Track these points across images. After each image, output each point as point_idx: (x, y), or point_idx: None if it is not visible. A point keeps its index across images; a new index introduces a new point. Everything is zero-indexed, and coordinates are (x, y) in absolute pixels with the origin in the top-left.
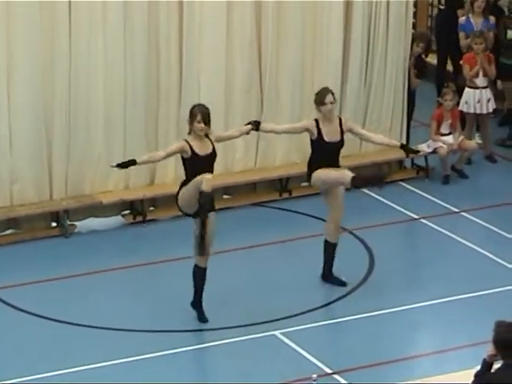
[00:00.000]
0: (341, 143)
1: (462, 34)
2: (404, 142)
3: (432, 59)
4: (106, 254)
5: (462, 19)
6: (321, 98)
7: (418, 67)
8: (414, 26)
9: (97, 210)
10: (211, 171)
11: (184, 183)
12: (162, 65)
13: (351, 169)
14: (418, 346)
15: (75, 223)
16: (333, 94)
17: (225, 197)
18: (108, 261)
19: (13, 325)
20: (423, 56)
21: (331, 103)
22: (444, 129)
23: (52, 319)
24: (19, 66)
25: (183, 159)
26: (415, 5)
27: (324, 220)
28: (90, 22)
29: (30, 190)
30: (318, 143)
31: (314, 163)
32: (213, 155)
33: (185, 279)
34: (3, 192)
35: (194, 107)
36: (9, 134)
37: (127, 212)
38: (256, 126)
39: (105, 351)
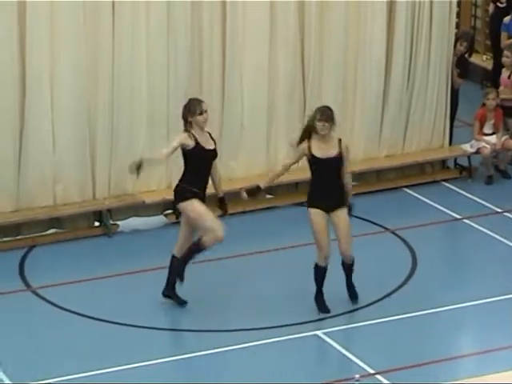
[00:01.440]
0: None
1: (504, 34)
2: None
3: (475, 59)
4: (149, 254)
5: (506, 19)
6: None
7: (461, 67)
8: (458, 26)
9: (139, 209)
10: (209, 168)
11: (181, 180)
12: (205, 65)
13: (394, 169)
14: (462, 347)
15: (118, 222)
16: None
17: (268, 196)
18: (150, 260)
19: (56, 324)
20: (466, 55)
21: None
22: (487, 129)
23: (95, 318)
24: (63, 66)
25: (184, 153)
26: (458, 4)
27: (366, 220)
28: (133, 22)
29: (73, 190)
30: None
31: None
32: (214, 152)
33: (225, 279)
34: (46, 191)
35: (190, 102)
36: (52, 134)
37: (170, 211)
38: (257, 190)
39: (147, 350)
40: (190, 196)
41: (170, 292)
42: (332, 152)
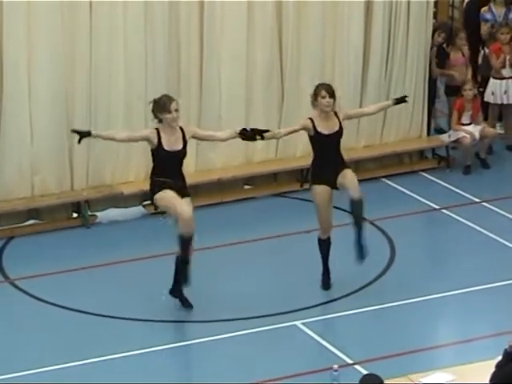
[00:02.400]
0: (339, 133)
1: (483, 24)
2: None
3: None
4: (127, 245)
5: (483, 9)
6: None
7: (440, 57)
8: (435, 16)
9: (118, 200)
10: (176, 166)
11: (151, 172)
12: (183, 56)
13: (373, 159)
14: (440, 336)
15: (96, 214)
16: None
17: (246, 187)
18: (129, 251)
19: (33, 315)
20: (444, 46)
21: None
22: (465, 119)
23: (73, 309)
24: (40, 57)
25: (151, 150)
26: None
27: (344, 210)
28: (110, 12)
29: (50, 181)
30: (316, 139)
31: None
32: (180, 153)
33: (204, 269)
34: (24, 183)
35: (161, 98)
36: (30, 125)
37: (148, 202)
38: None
39: (125, 341)
40: (157, 190)
41: (177, 293)
42: (334, 127)
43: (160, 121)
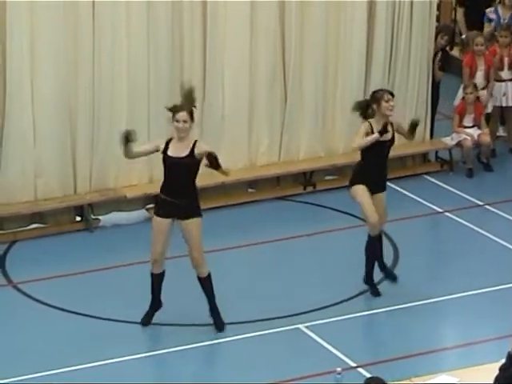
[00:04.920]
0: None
1: (487, 25)
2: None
3: (456, 52)
4: (130, 248)
5: (489, 10)
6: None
7: (442, 60)
8: (438, 19)
9: (121, 204)
10: (179, 177)
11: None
12: (186, 59)
13: None
14: (443, 340)
15: (99, 217)
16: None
17: (249, 190)
18: (132, 255)
19: (37, 319)
20: (447, 49)
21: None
22: (467, 122)
23: (76, 313)
24: (43, 60)
25: None
26: None
27: (347, 213)
28: (113, 17)
29: (54, 184)
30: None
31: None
32: (182, 161)
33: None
34: (28, 186)
35: (176, 104)
36: (33, 128)
37: (151, 206)
38: None
39: (129, 345)
40: (155, 210)
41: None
42: (388, 135)
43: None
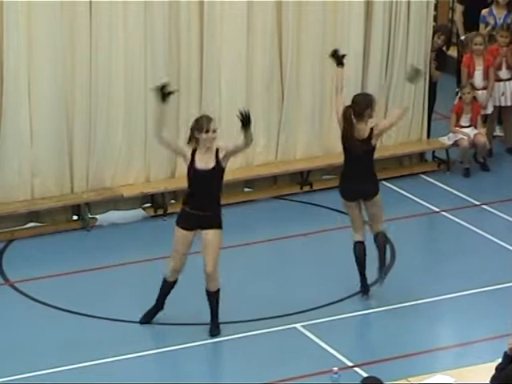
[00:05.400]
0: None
1: (482, 26)
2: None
3: (453, 51)
4: (127, 247)
5: (484, 11)
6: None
7: (439, 60)
8: (435, 19)
9: (118, 203)
10: (204, 189)
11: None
12: (183, 59)
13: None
14: (440, 339)
15: (96, 216)
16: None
17: (246, 190)
18: (129, 254)
19: (34, 317)
20: (444, 48)
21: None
22: (464, 121)
23: (73, 312)
24: (40, 60)
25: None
26: None
27: (344, 213)
28: (110, 16)
29: (51, 183)
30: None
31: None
32: (209, 173)
33: (201, 272)
34: (24, 185)
35: (200, 117)
36: (29, 127)
37: (148, 205)
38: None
39: (126, 344)
40: (178, 221)
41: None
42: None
43: (197, 141)
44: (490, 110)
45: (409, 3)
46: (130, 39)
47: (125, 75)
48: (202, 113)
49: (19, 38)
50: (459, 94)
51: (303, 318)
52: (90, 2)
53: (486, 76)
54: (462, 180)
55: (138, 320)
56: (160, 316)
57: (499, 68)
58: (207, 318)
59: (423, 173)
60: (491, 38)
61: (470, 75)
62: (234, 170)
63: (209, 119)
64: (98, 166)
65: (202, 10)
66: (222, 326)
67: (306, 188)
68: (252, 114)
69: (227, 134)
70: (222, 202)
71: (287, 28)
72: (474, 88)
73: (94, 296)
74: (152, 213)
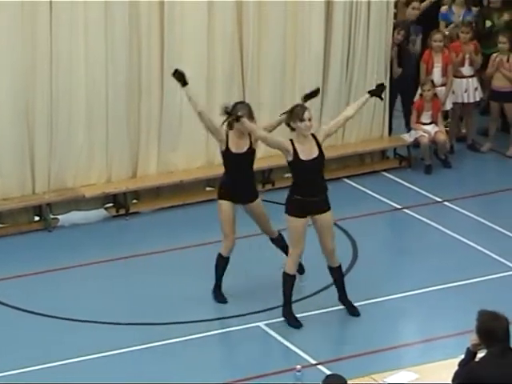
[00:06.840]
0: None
1: (442, 24)
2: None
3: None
4: (89, 248)
5: (443, 8)
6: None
7: (400, 56)
8: (395, 17)
9: (79, 203)
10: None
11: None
12: (144, 60)
13: (334, 159)
14: (403, 336)
15: (58, 217)
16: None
17: (207, 189)
18: (91, 254)
19: None
20: (404, 44)
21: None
22: (425, 118)
23: (35, 313)
24: (0, 63)
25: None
26: None
27: None
28: (70, 20)
29: (12, 184)
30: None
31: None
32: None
33: (167, 272)
34: None
35: (296, 106)
36: None
37: (110, 205)
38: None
39: (88, 344)
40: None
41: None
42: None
43: (293, 129)
44: (448, 107)
45: (369, 3)
46: (91, 41)
47: (86, 75)
48: (164, 112)
49: None
50: (419, 91)
51: (266, 317)
52: (51, 5)
53: (444, 73)
54: (423, 177)
55: (99, 320)
56: (120, 316)
57: (462, 65)
58: (174, 318)
59: (385, 170)
60: (451, 36)
61: (429, 72)
62: (195, 169)
63: (304, 108)
64: (59, 166)
65: (163, 10)
66: (185, 325)
67: (268, 186)
68: (213, 114)
69: (188, 134)
70: (183, 201)
71: (248, 28)
72: (434, 85)
73: (55, 297)
74: (114, 213)
